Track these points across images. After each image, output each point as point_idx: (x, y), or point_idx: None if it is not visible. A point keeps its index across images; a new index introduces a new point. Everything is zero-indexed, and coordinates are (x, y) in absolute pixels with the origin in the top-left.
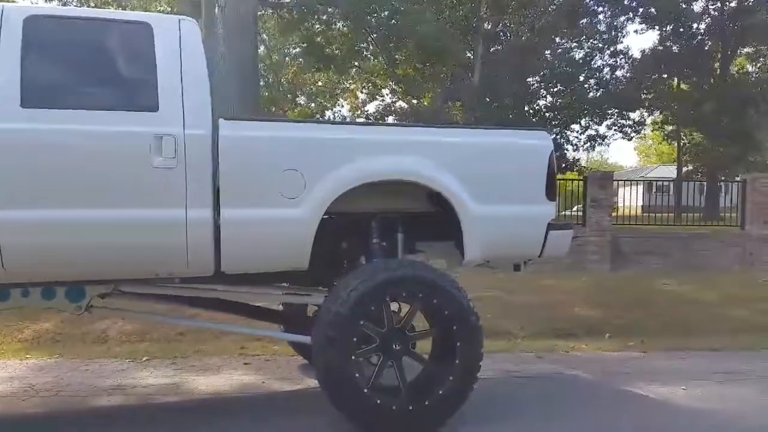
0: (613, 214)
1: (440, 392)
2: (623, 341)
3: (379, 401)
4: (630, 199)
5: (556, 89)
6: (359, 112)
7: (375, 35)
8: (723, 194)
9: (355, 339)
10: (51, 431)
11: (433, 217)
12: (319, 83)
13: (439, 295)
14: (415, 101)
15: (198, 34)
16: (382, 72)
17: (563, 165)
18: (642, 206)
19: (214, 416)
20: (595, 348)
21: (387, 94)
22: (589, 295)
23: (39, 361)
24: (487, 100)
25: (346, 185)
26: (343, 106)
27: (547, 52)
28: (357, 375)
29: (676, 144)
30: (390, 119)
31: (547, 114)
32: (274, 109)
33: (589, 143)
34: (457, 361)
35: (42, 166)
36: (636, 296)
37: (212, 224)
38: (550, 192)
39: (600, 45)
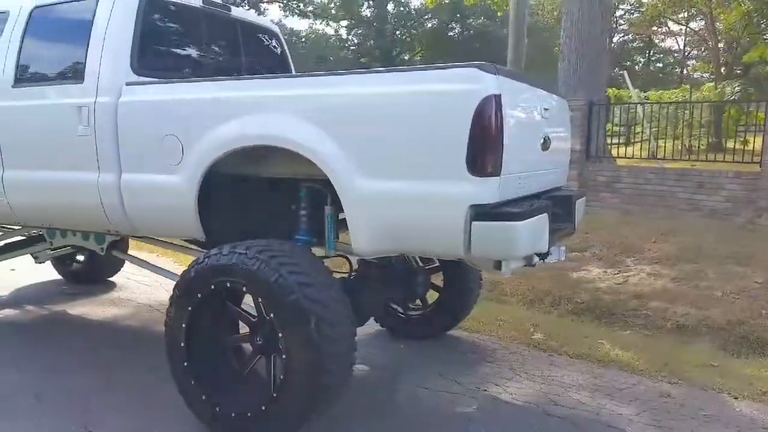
0: None
1: (263, 408)
2: None
3: (204, 397)
4: None
5: None
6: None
7: None
8: None
9: (184, 325)
10: None
11: None
12: None
13: (262, 291)
14: None
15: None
16: None
17: None
18: None
19: None
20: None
21: None
22: None
23: None
24: None
25: (217, 151)
26: None
27: None
28: (186, 364)
29: None
30: None
31: None
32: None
33: None
34: (281, 376)
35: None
36: None
37: (117, 188)
38: (477, 162)
39: None
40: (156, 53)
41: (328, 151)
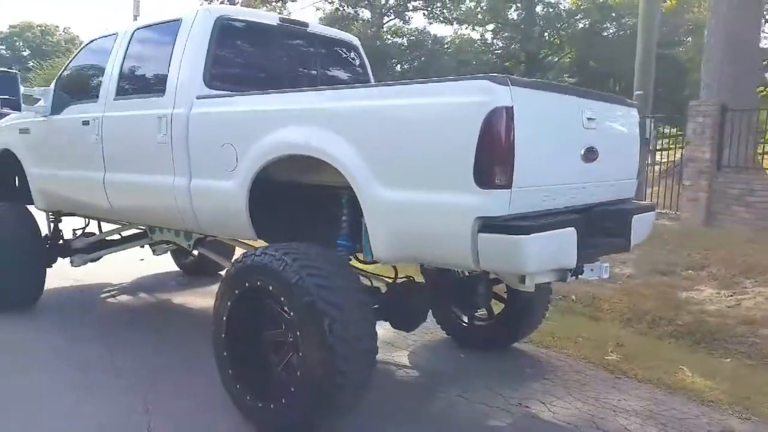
0: None
1: (283, 401)
2: None
3: (238, 386)
4: None
5: None
6: None
7: None
8: None
9: (224, 318)
10: None
11: None
12: None
13: (285, 292)
14: None
15: (210, 20)
16: None
17: None
18: None
19: None
20: None
21: None
22: None
23: None
24: None
25: (261, 159)
26: None
27: None
28: (225, 354)
29: None
30: None
31: None
32: None
33: None
34: (298, 373)
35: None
36: None
37: (188, 191)
38: (484, 174)
39: None
40: (228, 69)
41: (350, 160)
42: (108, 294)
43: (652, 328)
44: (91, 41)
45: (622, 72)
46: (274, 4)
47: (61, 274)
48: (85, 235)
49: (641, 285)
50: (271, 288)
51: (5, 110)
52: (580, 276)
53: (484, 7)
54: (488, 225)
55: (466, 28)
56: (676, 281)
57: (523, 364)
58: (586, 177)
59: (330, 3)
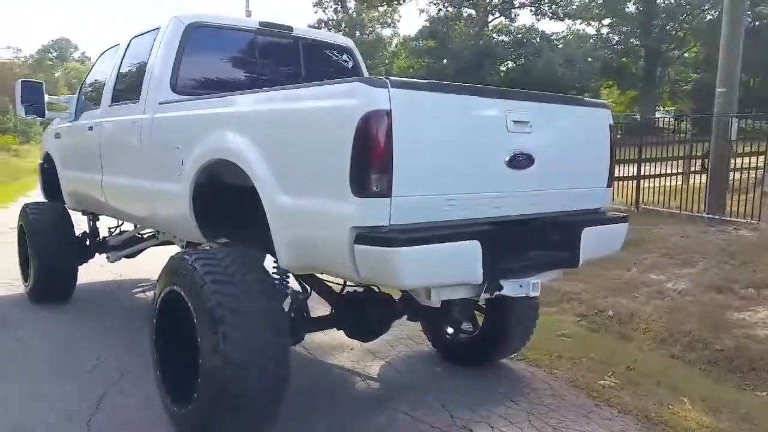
0: None
1: (189, 407)
2: None
3: (164, 387)
4: None
5: None
6: None
7: None
8: None
9: (154, 320)
10: None
11: None
12: None
13: (192, 298)
14: None
15: (180, 28)
16: None
17: None
18: None
19: None
20: None
21: None
22: None
23: None
24: None
25: (197, 163)
26: None
27: None
28: (155, 356)
29: None
30: None
31: None
32: None
33: None
34: (198, 380)
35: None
36: None
37: (152, 194)
38: (359, 182)
39: None
40: (199, 75)
41: (257, 165)
42: (140, 289)
43: (686, 352)
44: (105, 51)
45: (759, 66)
46: (381, 8)
47: (108, 268)
48: (120, 233)
49: (690, 303)
50: (182, 293)
51: (30, 117)
52: (500, 292)
53: (600, 1)
54: (363, 236)
55: (580, 23)
56: (731, 300)
57: (497, 384)
58: (517, 185)
59: (435, 5)
